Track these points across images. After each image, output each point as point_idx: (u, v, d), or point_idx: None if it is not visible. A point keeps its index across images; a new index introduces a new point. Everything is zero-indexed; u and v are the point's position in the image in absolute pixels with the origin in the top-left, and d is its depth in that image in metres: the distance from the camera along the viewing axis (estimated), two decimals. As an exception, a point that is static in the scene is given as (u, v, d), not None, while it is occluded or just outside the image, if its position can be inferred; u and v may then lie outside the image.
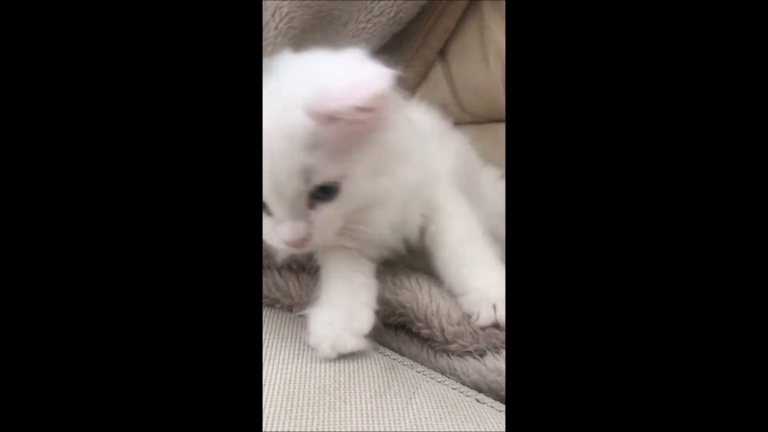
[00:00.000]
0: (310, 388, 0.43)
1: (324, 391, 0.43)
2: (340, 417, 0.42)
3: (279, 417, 0.40)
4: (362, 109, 0.38)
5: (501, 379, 0.48)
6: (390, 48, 0.77)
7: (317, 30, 0.73)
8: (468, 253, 0.52)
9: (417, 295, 0.52)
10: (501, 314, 0.49)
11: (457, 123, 0.79)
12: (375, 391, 0.45)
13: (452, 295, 0.52)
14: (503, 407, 0.46)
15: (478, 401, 0.47)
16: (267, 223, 0.43)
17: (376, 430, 0.41)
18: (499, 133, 0.82)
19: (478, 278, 0.51)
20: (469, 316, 0.51)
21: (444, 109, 0.72)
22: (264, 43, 0.66)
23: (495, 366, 0.49)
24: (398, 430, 0.41)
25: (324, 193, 0.42)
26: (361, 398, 0.44)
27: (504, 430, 0.41)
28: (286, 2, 0.66)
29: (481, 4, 0.82)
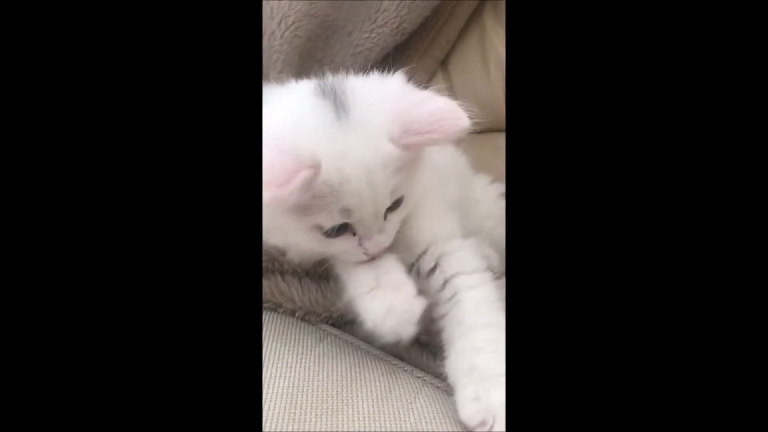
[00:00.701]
0: (312, 392, 0.44)
1: (326, 395, 0.44)
2: (342, 421, 0.42)
3: (282, 420, 0.41)
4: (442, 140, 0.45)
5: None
6: (392, 58, 0.78)
7: (321, 39, 0.74)
8: (480, 339, 0.48)
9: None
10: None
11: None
12: (376, 396, 0.45)
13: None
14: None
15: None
16: (346, 242, 0.47)
17: (378, 433, 0.42)
18: (499, 142, 0.83)
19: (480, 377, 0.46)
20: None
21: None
22: (270, 52, 0.67)
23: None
24: (399, 434, 0.42)
25: (395, 204, 0.47)
26: (362, 403, 0.44)
27: None
28: (293, 12, 0.67)
29: (483, 15, 0.83)
